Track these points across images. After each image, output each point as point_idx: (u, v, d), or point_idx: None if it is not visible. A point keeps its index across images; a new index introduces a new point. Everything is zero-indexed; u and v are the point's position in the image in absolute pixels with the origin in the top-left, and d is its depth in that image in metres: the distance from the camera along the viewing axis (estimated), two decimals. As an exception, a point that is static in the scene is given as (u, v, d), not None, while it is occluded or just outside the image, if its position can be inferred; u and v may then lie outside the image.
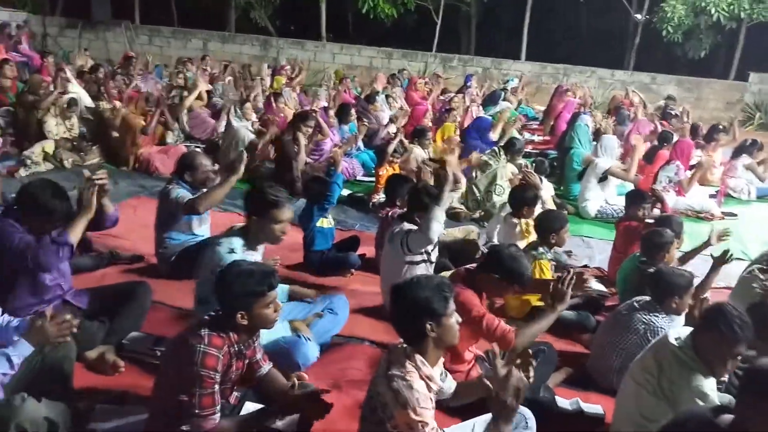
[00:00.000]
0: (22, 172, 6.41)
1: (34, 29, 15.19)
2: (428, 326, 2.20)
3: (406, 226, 3.81)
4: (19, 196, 3.17)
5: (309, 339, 3.22)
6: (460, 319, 2.31)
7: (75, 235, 3.02)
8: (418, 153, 6.65)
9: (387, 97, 9.83)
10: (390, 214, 4.53)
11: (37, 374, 2.70)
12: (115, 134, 7.26)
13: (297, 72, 11.57)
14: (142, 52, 15.03)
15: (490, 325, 2.94)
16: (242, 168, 4.05)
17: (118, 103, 8.07)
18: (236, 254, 2.99)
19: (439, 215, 3.52)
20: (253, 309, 2.41)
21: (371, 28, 19.02)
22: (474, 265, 3.32)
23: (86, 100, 8.21)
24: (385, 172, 6.34)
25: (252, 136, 7.43)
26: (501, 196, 6.02)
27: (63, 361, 2.77)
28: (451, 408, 2.70)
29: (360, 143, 8.03)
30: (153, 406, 2.53)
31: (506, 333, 2.93)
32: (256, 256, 3.17)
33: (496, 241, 4.71)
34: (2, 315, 2.73)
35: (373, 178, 7.16)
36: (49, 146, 6.87)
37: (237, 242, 3.08)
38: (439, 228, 3.55)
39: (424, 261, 3.80)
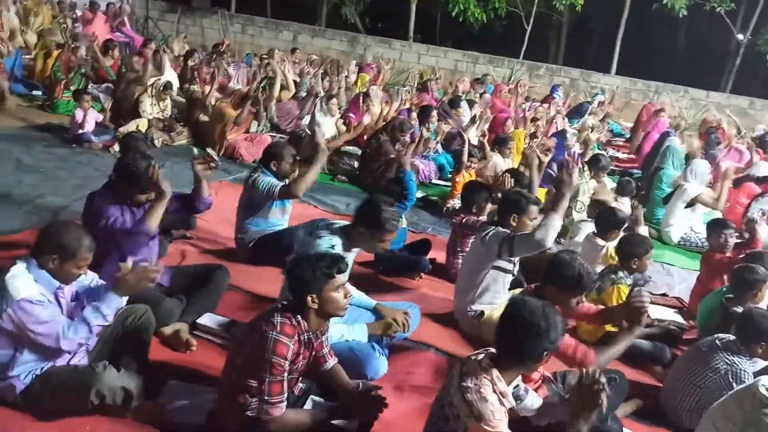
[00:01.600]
0: (116, 147, 6.74)
1: (137, 12, 15.96)
2: (544, 353, 2.21)
3: (502, 229, 3.73)
4: (115, 168, 3.37)
5: (383, 353, 3.21)
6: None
7: (153, 221, 3.17)
8: (498, 161, 6.55)
9: (470, 102, 9.74)
10: (465, 220, 4.49)
11: (118, 344, 2.84)
12: (204, 118, 7.53)
13: (378, 71, 11.64)
14: (235, 40, 15.59)
15: (568, 346, 2.85)
16: (324, 159, 4.25)
17: (208, 88, 8.38)
18: (335, 251, 3.04)
19: (557, 222, 3.40)
20: (323, 292, 2.45)
21: (458, 31, 18.93)
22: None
23: (176, 84, 8.55)
24: (462, 178, 6.28)
25: (333, 131, 7.55)
26: (581, 212, 5.84)
27: (141, 332, 2.90)
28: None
29: (438, 146, 8.00)
30: (221, 388, 2.60)
31: (586, 355, 2.84)
32: (350, 257, 3.22)
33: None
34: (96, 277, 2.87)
35: (448, 183, 7.12)
36: (142, 124, 7.20)
37: (338, 240, 3.15)
38: (554, 235, 3.43)
39: (510, 272, 3.74)
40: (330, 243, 3.10)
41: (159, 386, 2.86)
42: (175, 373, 3.03)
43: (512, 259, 3.70)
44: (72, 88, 8.16)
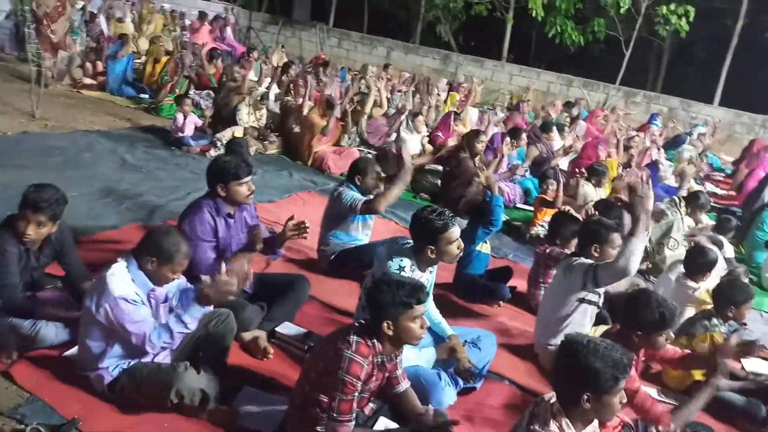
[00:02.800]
0: (212, 152, 7.04)
1: (240, 22, 16.70)
2: (585, 397, 2.07)
3: (585, 259, 3.60)
4: (210, 171, 3.48)
5: (450, 383, 3.14)
6: (624, 400, 2.15)
7: (237, 262, 3.27)
8: (588, 191, 6.33)
9: (559, 125, 9.52)
10: (548, 252, 4.37)
11: (199, 345, 2.94)
12: (296, 130, 7.74)
13: (470, 90, 11.56)
14: (330, 54, 16.00)
15: (643, 403, 2.72)
16: (408, 160, 4.21)
17: (301, 100, 8.62)
18: (404, 273, 3.03)
19: (638, 246, 3.24)
20: (399, 320, 2.44)
21: (553, 53, 18.58)
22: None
23: (272, 94, 8.85)
24: (544, 200, 6.15)
25: (418, 150, 7.55)
26: (674, 250, 5.55)
27: (223, 337, 2.98)
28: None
29: (527, 169, 7.85)
30: (294, 399, 2.63)
31: (661, 417, 2.69)
32: (425, 276, 3.20)
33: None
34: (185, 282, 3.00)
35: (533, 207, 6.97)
36: (238, 132, 7.49)
37: (407, 261, 3.12)
38: (637, 261, 3.28)
39: (594, 304, 3.59)
40: (399, 264, 3.07)
41: (234, 390, 2.93)
42: (251, 379, 3.09)
43: (597, 290, 3.56)
44: (177, 92, 8.62)
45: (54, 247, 3.22)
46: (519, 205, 7.30)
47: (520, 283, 4.77)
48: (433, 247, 3.10)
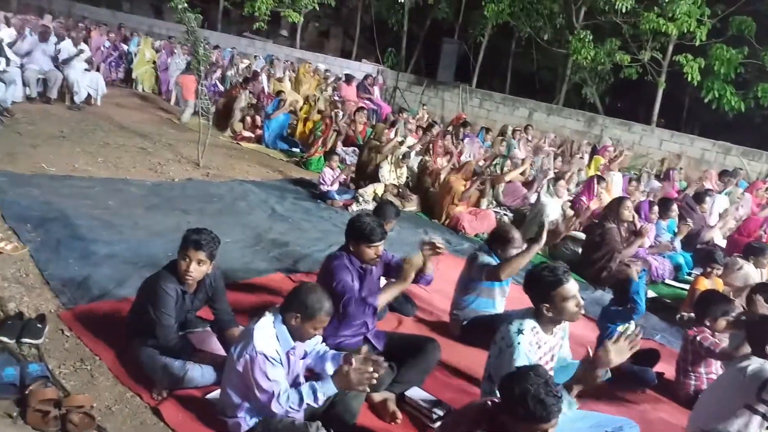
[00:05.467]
0: (354, 207, 7.33)
1: (387, 82, 17.45)
2: None
3: (756, 361, 3.22)
4: (346, 228, 3.66)
5: None
6: None
7: (383, 299, 3.36)
8: (750, 272, 5.76)
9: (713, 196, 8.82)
10: (699, 337, 3.99)
11: (330, 404, 2.98)
12: (433, 189, 7.86)
13: (618, 153, 11.10)
14: (471, 114, 16.19)
15: None
16: (544, 237, 4.07)
17: (439, 160, 8.77)
18: (524, 335, 2.92)
19: None
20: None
21: (708, 118, 17.41)
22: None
23: (414, 153, 9.07)
24: (704, 284, 5.64)
25: (558, 215, 7.33)
26: None
27: (354, 397, 3.01)
28: None
29: (678, 244, 7.32)
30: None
31: None
32: (551, 339, 3.06)
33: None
34: (321, 343, 3.10)
35: (684, 285, 6.46)
36: (379, 189, 7.74)
37: (528, 323, 3.00)
38: None
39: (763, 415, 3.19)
40: (518, 327, 2.95)
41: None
42: (377, 442, 3.09)
43: None
44: (327, 147, 9.13)
45: (207, 292, 3.47)
46: (668, 281, 6.80)
47: (668, 369, 4.39)
48: (548, 305, 2.96)
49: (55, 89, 10.15)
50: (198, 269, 3.23)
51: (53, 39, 10.32)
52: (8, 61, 8.51)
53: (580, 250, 6.79)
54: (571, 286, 2.97)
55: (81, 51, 10.29)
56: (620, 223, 6.38)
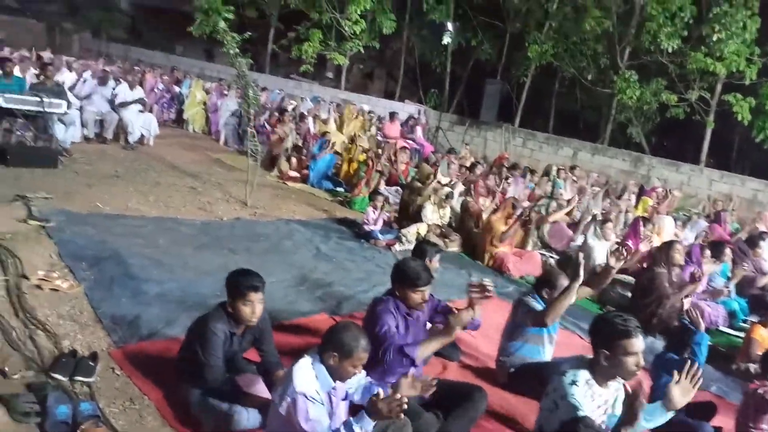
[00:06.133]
0: (398, 247, 7.34)
1: (430, 122, 17.60)
2: None
3: None
4: (392, 272, 3.67)
5: None
6: None
7: (424, 351, 3.33)
8: (811, 322, 5.50)
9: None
10: (764, 393, 3.81)
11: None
12: (476, 230, 7.81)
13: (665, 195, 10.86)
14: (514, 153, 16.15)
15: None
16: (581, 273, 3.96)
17: (482, 200, 8.74)
18: (578, 387, 2.84)
19: None
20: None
21: (760, 157, 16.91)
22: None
23: (456, 193, 9.08)
24: (760, 332, 5.41)
25: (604, 258, 7.17)
26: None
27: (401, 427, 2.97)
28: None
29: (732, 289, 7.06)
30: None
31: None
32: (605, 392, 2.97)
33: None
34: (365, 376, 3.08)
35: (740, 332, 6.21)
36: (422, 229, 7.74)
37: (582, 375, 2.92)
38: None
39: None
40: (572, 378, 2.87)
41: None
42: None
43: None
44: (371, 187, 9.22)
45: (255, 334, 3.51)
46: (723, 329, 6.55)
47: (726, 423, 4.19)
48: (608, 353, 2.87)
49: (111, 130, 10.59)
50: (260, 310, 3.30)
51: (111, 83, 10.82)
52: (69, 104, 8.93)
53: (629, 295, 6.63)
54: (638, 342, 2.89)
55: (140, 100, 10.76)
56: (671, 267, 6.22)
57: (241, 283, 3.29)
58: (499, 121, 17.35)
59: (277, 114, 12.69)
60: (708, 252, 6.92)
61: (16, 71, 9.07)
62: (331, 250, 7.01)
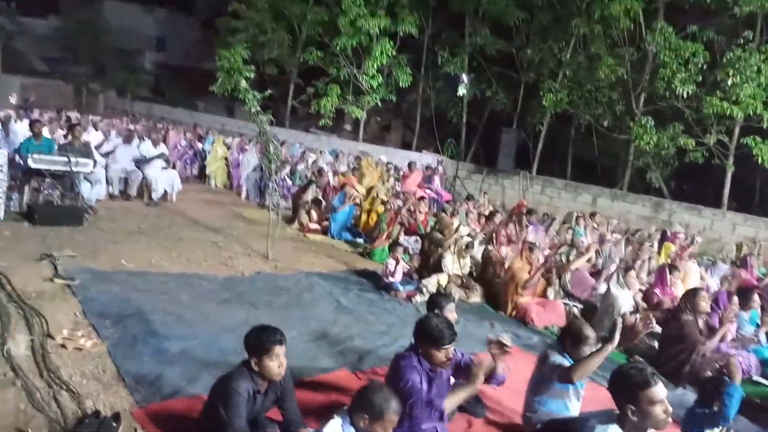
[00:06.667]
0: (418, 299, 7.29)
1: (447, 171, 17.74)
2: None
3: None
4: (416, 328, 3.65)
5: None
6: None
7: (451, 403, 3.30)
8: None
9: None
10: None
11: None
12: (498, 280, 7.76)
13: (690, 241, 10.73)
14: (533, 201, 16.14)
15: None
16: (617, 337, 3.90)
17: (504, 250, 8.70)
18: None
19: None
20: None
21: (783, 200, 16.73)
22: None
23: (476, 243, 9.06)
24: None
25: (631, 307, 7.06)
26: None
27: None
28: None
29: (763, 337, 6.88)
30: None
31: None
32: None
33: None
34: None
35: (774, 383, 6.02)
36: (443, 279, 7.70)
37: (612, 430, 2.86)
38: None
39: None
40: None
41: None
42: None
43: None
44: (391, 239, 9.25)
45: (277, 392, 3.48)
46: (756, 378, 6.34)
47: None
48: (633, 408, 2.81)
49: (135, 187, 10.82)
50: (285, 364, 3.32)
51: (135, 141, 11.13)
52: (95, 163, 9.18)
53: (656, 344, 6.49)
54: (660, 389, 2.85)
55: (163, 156, 11.04)
56: (698, 315, 6.10)
57: (264, 339, 3.29)
58: (516, 168, 17.43)
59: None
60: (735, 299, 6.77)
61: (45, 132, 9.37)
62: (352, 302, 6.99)
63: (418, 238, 9.76)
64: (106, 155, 10.55)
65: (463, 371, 3.77)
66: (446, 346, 3.50)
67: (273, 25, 21.21)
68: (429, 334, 3.52)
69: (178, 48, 35.75)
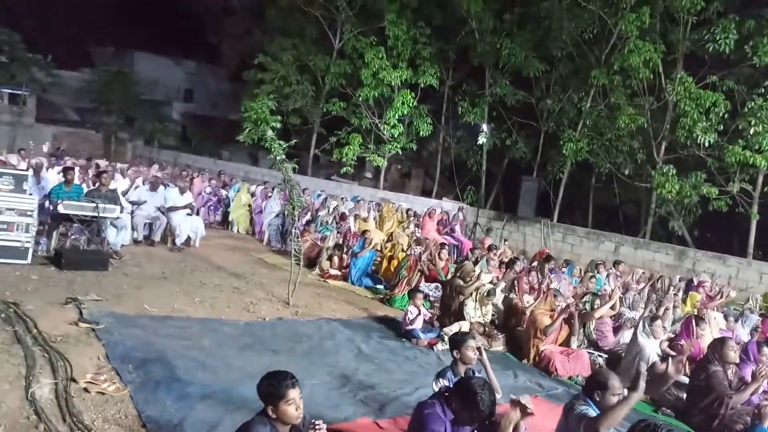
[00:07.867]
0: (440, 347, 7.22)
1: (468, 218, 17.74)
2: None
3: None
4: (456, 386, 3.63)
5: None
6: None
7: None
8: None
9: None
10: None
11: None
12: (520, 328, 7.67)
13: (718, 291, 10.51)
14: (555, 248, 16.03)
15: None
16: (643, 386, 3.84)
17: (527, 298, 8.62)
18: None
19: None
20: None
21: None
22: None
23: (498, 290, 8.99)
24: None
25: (657, 357, 6.91)
26: None
27: None
28: None
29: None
30: None
31: None
32: None
33: None
34: None
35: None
36: (465, 327, 7.61)
37: None
38: None
39: None
40: None
41: None
42: None
43: None
44: (411, 285, 9.22)
45: (295, 441, 3.44)
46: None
47: None
48: None
49: (159, 232, 11.00)
50: (302, 405, 3.28)
51: (161, 188, 11.36)
52: (122, 209, 9.37)
53: (684, 395, 6.33)
54: None
55: (189, 205, 11.27)
56: (725, 365, 5.96)
57: (277, 385, 3.26)
58: (537, 216, 17.39)
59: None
60: (766, 349, 6.60)
61: (75, 178, 9.63)
62: (373, 350, 6.94)
63: (438, 284, 9.73)
64: (133, 203, 10.78)
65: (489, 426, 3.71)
66: (482, 418, 3.50)
67: (297, 77, 21.73)
68: (474, 405, 3.51)
69: (204, 98, 36.80)
